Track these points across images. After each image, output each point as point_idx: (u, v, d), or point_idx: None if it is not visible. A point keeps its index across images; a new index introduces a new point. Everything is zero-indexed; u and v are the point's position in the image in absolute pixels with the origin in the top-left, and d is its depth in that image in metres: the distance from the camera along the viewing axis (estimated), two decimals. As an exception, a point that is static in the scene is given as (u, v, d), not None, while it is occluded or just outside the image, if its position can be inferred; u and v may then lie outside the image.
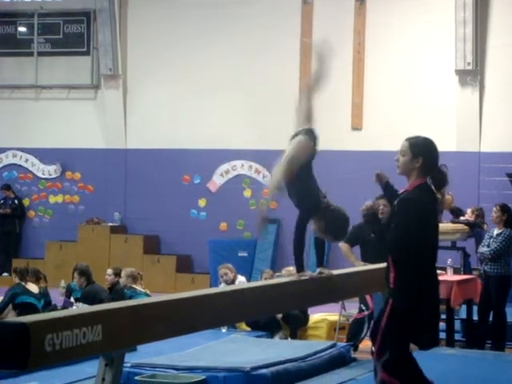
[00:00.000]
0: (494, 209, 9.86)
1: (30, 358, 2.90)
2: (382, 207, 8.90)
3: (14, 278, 10.30)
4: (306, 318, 9.98)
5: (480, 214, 12.07)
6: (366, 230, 8.99)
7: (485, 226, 11.69)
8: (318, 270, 5.24)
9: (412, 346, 8.44)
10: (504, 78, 14.36)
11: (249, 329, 9.93)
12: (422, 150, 4.96)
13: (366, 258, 8.78)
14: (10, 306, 10.06)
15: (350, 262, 8.79)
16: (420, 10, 14.78)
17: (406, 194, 4.95)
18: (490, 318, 9.66)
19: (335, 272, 5.44)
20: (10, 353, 2.86)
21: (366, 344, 9.88)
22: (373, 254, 8.70)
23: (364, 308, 9.01)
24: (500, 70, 14.40)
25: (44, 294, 10.34)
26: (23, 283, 10.14)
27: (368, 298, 8.54)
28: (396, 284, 4.76)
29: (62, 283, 11.28)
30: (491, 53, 14.46)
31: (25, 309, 9.58)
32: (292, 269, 10.10)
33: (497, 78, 14.42)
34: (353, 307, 9.93)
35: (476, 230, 11.71)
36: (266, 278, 9.91)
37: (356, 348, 9.02)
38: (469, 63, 14.27)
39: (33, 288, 10.19)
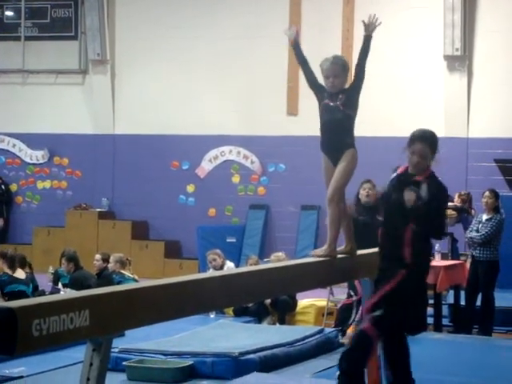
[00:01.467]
0: (488, 194, 9.88)
1: (17, 344, 2.88)
2: (367, 191, 8.89)
3: (1, 263, 10.21)
4: (294, 303, 10.01)
5: (467, 198, 12.10)
6: (355, 212, 8.97)
7: (472, 211, 11.72)
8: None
9: None
10: (492, 64, 14.38)
11: (237, 314, 9.95)
12: (436, 145, 5.43)
13: (356, 240, 8.76)
14: None
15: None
16: (409, -5, 14.77)
17: (436, 179, 5.28)
18: (477, 303, 9.70)
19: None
20: (-3, 338, 2.85)
21: (354, 329, 9.91)
22: (360, 237, 8.69)
23: (352, 293, 9.03)
24: (488, 56, 14.41)
25: (31, 279, 10.30)
26: (10, 271, 10.04)
27: (357, 283, 8.55)
28: (413, 259, 4.99)
29: (50, 269, 11.24)
30: (480, 39, 14.46)
31: (14, 296, 9.53)
32: (281, 254, 10.13)
33: (485, 64, 14.44)
34: (341, 293, 9.96)
35: (463, 215, 11.75)
36: (251, 264, 9.93)
37: (344, 333, 9.04)
38: (457, 49, 14.27)
39: (20, 274, 10.13)
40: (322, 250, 5.12)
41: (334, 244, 5.14)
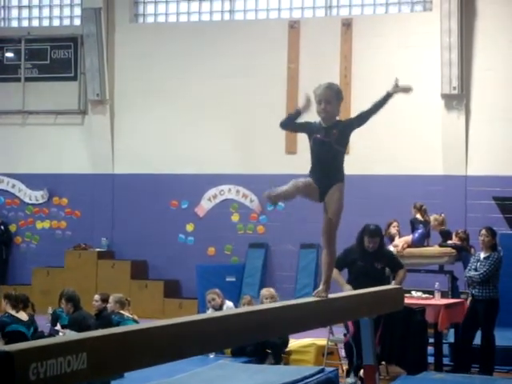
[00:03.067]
0: (484, 232, 9.83)
1: (14, 387, 2.87)
2: (372, 245, 8.84)
3: (5, 304, 10.10)
4: (283, 341, 9.87)
5: (464, 237, 12.07)
6: (356, 254, 8.96)
7: (472, 249, 11.69)
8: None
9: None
10: (489, 102, 14.45)
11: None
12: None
13: (353, 282, 8.75)
14: None
15: (339, 286, 8.77)
16: (406, 34, 14.89)
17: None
18: (476, 341, 9.65)
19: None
20: (-6, 382, 2.84)
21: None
22: (357, 281, 8.70)
23: (346, 332, 9.03)
24: (485, 94, 14.49)
25: (32, 321, 10.23)
26: (14, 311, 9.97)
27: (349, 322, 8.54)
28: None
29: (50, 310, 11.18)
30: (477, 77, 14.55)
31: (14, 338, 9.45)
32: (271, 290, 10.12)
33: (482, 102, 14.51)
34: (341, 332, 9.91)
35: (463, 253, 11.72)
36: (244, 304, 9.89)
37: (348, 373, 9.01)
38: (454, 87, 14.36)
39: (23, 316, 10.06)
40: (323, 291, 5.07)
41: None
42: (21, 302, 10.12)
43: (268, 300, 9.25)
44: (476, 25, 14.62)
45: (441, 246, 11.92)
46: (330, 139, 5.00)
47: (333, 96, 5.07)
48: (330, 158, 5.02)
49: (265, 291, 9.90)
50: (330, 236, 5.06)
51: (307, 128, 5.11)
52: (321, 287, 5.07)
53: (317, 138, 5.04)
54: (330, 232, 5.06)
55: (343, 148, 5.08)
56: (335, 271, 8.90)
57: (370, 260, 8.79)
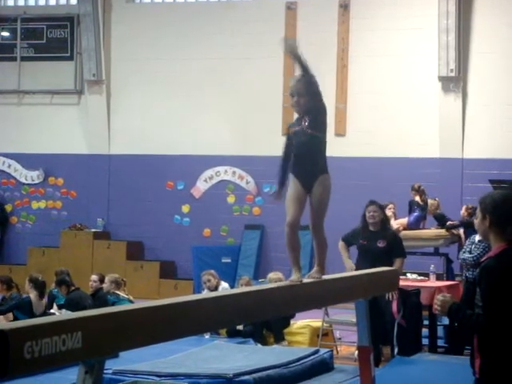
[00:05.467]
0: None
1: (8, 366, 2.87)
2: (372, 213, 8.92)
3: (29, 287, 9.97)
4: (284, 321, 9.91)
5: (473, 212, 12.05)
6: (359, 235, 9.06)
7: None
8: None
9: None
10: (486, 84, 14.44)
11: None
12: (488, 207, 4.11)
13: (356, 263, 8.87)
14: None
15: (343, 260, 8.95)
16: (403, 16, 14.84)
17: (488, 262, 4.03)
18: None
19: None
20: (-12, 360, 2.84)
21: (349, 350, 9.90)
22: (361, 260, 8.80)
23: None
24: (482, 77, 14.47)
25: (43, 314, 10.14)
26: (35, 299, 9.90)
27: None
28: (483, 374, 3.94)
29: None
30: (474, 60, 14.53)
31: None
32: (279, 274, 10.15)
33: (479, 84, 14.49)
34: (336, 313, 9.94)
35: (469, 229, 11.68)
36: (242, 284, 9.92)
37: None
38: (452, 70, 14.33)
39: (38, 308, 9.93)
40: (317, 272, 5.01)
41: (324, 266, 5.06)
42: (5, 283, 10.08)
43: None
44: (474, 7, 14.57)
45: (446, 228, 11.85)
46: (303, 126, 4.90)
47: (304, 88, 4.91)
48: (307, 146, 4.90)
49: (272, 275, 9.92)
50: (317, 229, 5.00)
51: (290, 137, 4.98)
52: (315, 268, 5.02)
53: (293, 130, 4.96)
54: (316, 225, 4.99)
55: (320, 133, 4.95)
56: (342, 246, 9.08)
57: (372, 238, 8.86)
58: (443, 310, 4.08)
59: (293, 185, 4.94)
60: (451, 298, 4.11)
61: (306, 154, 4.92)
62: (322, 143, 4.99)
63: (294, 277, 4.81)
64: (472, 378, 4.05)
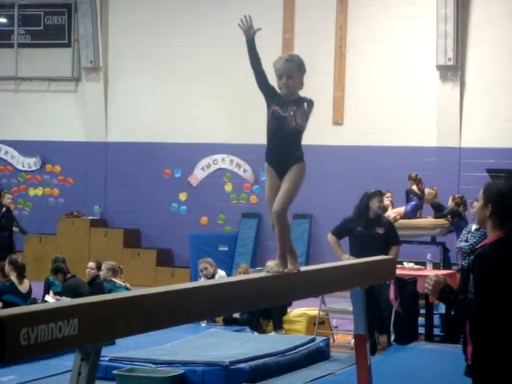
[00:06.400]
0: (476, 204, 9.84)
1: (5, 352, 2.87)
2: (379, 204, 9.01)
3: (9, 269, 10.03)
4: (284, 305, 9.92)
5: (461, 202, 12.08)
6: (355, 222, 9.04)
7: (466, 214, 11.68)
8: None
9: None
10: (484, 73, 14.42)
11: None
12: (493, 197, 4.06)
13: (353, 251, 8.85)
14: None
15: (337, 255, 8.85)
16: (402, 5, 14.81)
17: (483, 249, 4.08)
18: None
19: (317, 266, 5.42)
20: (-16, 347, 2.84)
21: (345, 338, 9.92)
22: (359, 247, 8.79)
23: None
24: (480, 66, 14.46)
25: (30, 292, 10.21)
26: (16, 280, 9.93)
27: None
28: (475, 360, 3.97)
29: None
30: (472, 49, 14.51)
31: (9, 307, 9.44)
32: (244, 265, 10.15)
33: (477, 73, 14.48)
34: (333, 302, 9.96)
35: (455, 220, 11.71)
36: (240, 273, 9.93)
37: None
38: (450, 59, 14.32)
39: (24, 287, 10.01)
40: (277, 265, 4.61)
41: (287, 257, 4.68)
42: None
43: None
44: (472, -4, 14.55)
45: (436, 217, 11.94)
46: (288, 115, 4.59)
47: (294, 69, 4.64)
48: (285, 134, 4.61)
49: (271, 263, 9.90)
50: (280, 214, 4.65)
51: (269, 93, 4.71)
52: (276, 261, 4.62)
53: (275, 110, 4.65)
54: (279, 210, 4.63)
55: (302, 125, 4.61)
56: (333, 240, 9.01)
57: (371, 225, 8.88)
58: (435, 291, 4.07)
59: (268, 175, 4.74)
60: (444, 280, 4.11)
61: (283, 142, 4.64)
62: (301, 133, 4.64)
63: (282, 263, 4.58)
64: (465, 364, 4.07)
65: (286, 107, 4.61)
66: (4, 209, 14.74)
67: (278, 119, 4.64)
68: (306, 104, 4.62)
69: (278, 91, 4.70)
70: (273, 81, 4.75)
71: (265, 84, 4.73)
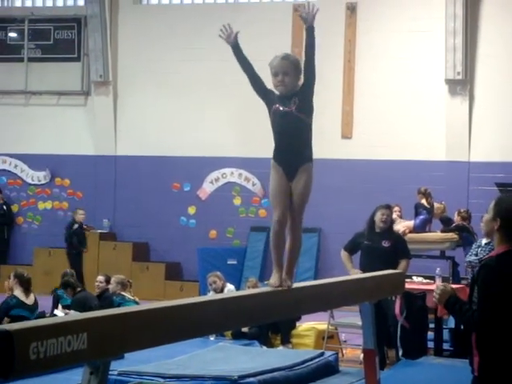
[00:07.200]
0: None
1: (14, 367, 2.87)
2: (386, 216, 8.97)
3: (14, 283, 10.00)
4: (293, 319, 9.90)
5: (466, 216, 12.08)
6: (364, 237, 9.06)
7: (475, 236, 11.68)
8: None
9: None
10: (493, 88, 14.42)
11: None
12: (503, 211, 4.07)
13: (361, 265, 8.87)
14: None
15: (347, 270, 8.86)
16: (411, 19, 14.83)
17: (488, 261, 4.10)
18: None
19: (326, 280, 5.42)
20: (-7, 361, 2.84)
21: (354, 353, 9.88)
22: (366, 261, 8.79)
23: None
24: (489, 80, 14.45)
25: (37, 305, 10.18)
26: (21, 294, 9.90)
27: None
28: (481, 372, 3.97)
29: None
30: (481, 63, 14.51)
31: (17, 321, 9.40)
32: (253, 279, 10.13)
33: (486, 88, 14.47)
34: (342, 316, 9.93)
35: (464, 234, 11.70)
36: (249, 287, 9.91)
37: None
38: (459, 73, 14.32)
39: (30, 300, 9.98)
40: (277, 280, 4.52)
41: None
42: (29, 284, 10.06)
43: None
44: (481, 10, 14.56)
45: (443, 231, 11.93)
46: (291, 108, 4.49)
47: (290, 67, 4.60)
48: (293, 130, 4.48)
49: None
50: (294, 225, 4.58)
51: (267, 95, 4.64)
52: (284, 276, 4.52)
53: (277, 108, 4.53)
54: (294, 221, 4.56)
55: (308, 118, 4.51)
56: (345, 256, 9.03)
57: (377, 239, 8.87)
58: (441, 300, 4.13)
59: (275, 174, 4.57)
60: (452, 289, 4.16)
61: (291, 139, 4.51)
62: (309, 129, 4.53)
63: (274, 279, 4.51)
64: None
65: (287, 102, 4.54)
66: (76, 225, 14.81)
67: (282, 116, 4.55)
68: (306, 92, 4.53)
69: (275, 91, 4.65)
70: (269, 84, 4.69)
71: (260, 86, 4.71)
